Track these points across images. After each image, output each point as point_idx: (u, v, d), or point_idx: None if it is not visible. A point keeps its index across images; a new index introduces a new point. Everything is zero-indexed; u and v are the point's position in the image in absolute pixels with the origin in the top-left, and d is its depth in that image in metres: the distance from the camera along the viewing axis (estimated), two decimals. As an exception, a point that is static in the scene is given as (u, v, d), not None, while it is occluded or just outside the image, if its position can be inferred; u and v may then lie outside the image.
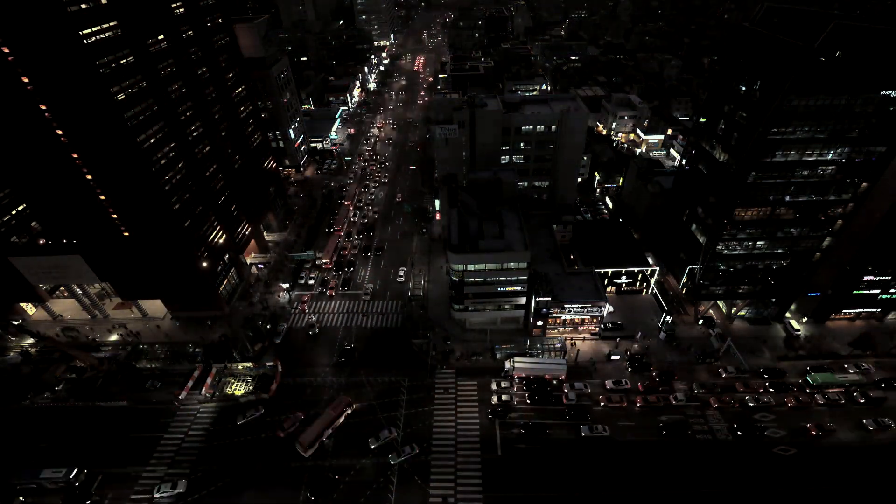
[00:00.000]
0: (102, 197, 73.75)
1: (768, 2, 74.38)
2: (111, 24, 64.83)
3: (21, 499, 63.98)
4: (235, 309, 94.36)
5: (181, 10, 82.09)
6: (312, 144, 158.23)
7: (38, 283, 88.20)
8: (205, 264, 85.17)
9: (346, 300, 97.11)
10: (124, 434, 71.59)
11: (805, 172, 71.54)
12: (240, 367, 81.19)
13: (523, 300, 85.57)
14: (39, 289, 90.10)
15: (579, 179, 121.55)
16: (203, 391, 77.07)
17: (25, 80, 61.79)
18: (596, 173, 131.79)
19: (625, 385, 77.05)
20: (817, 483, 63.91)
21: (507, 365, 78.60)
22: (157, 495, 62.91)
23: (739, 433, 69.51)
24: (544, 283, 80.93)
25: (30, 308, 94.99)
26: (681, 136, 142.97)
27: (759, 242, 79.76)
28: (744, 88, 72.47)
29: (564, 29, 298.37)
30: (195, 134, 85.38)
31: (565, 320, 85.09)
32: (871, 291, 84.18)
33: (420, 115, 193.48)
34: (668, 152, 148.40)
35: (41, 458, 68.03)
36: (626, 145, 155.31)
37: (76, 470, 65.20)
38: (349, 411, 72.75)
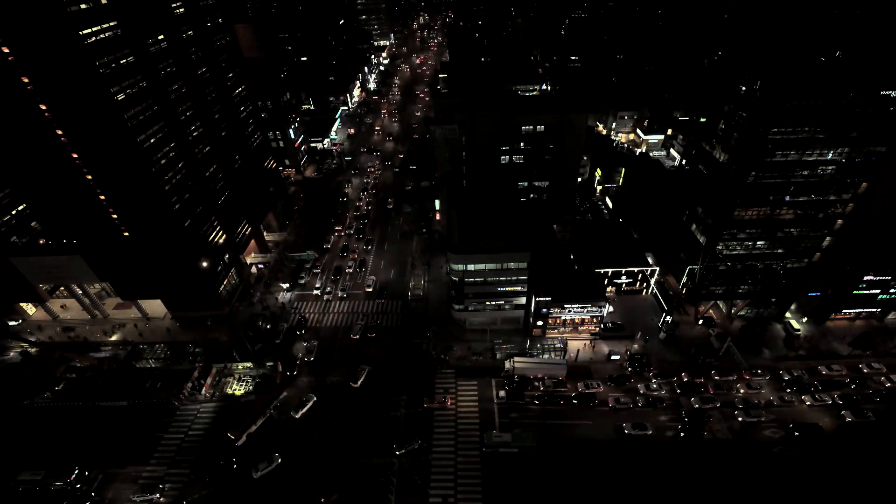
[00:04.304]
0: (102, 197, 73.73)
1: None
2: (111, 24, 64.86)
3: None
4: (235, 309, 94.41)
5: (181, 10, 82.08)
6: (312, 144, 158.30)
7: (38, 283, 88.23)
8: (205, 264, 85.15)
9: (347, 301, 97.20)
10: (124, 434, 71.67)
11: (805, 172, 71.58)
12: (240, 367, 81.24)
13: (523, 300, 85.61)
14: (39, 289, 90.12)
15: (579, 179, 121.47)
16: (203, 391, 77.14)
17: (25, 80, 61.78)
18: (596, 173, 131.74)
19: None
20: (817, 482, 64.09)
21: (507, 365, 78.62)
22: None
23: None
24: (546, 283, 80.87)
25: (30, 308, 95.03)
26: (681, 136, 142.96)
27: (759, 242, 79.80)
28: (744, 88, 72.48)
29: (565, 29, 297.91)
30: (195, 134, 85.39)
31: (565, 320, 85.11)
32: (872, 291, 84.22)
33: (420, 114, 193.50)
34: (668, 152, 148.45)
35: (42, 459, 68.15)
36: (626, 145, 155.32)
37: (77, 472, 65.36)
38: (277, 402, 74.04)
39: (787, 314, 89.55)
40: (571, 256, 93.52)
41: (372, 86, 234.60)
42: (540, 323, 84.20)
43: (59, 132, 66.71)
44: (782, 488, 63.33)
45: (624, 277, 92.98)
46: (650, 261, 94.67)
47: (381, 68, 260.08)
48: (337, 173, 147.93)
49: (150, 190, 73.70)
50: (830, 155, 69.87)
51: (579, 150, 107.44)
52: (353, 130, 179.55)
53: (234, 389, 77.74)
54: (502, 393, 76.22)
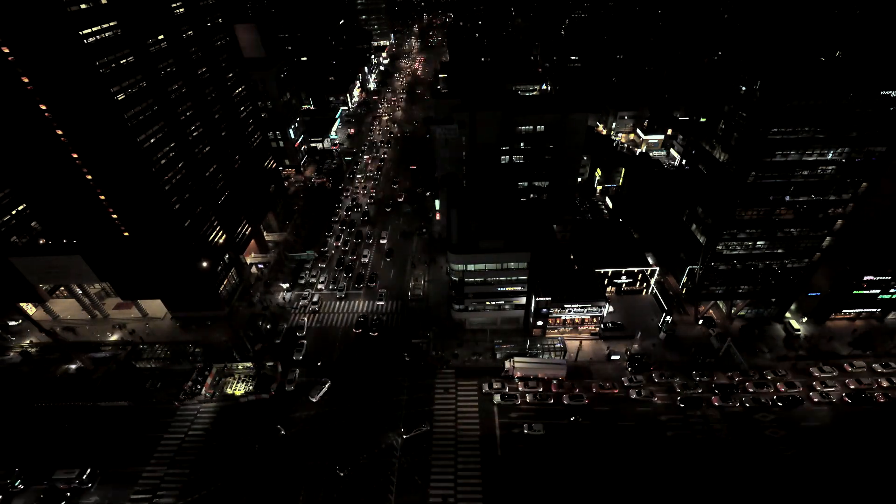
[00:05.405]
0: (102, 197, 73.71)
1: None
2: (111, 24, 64.81)
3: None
4: (235, 309, 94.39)
5: (181, 10, 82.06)
6: (312, 144, 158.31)
7: (39, 283, 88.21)
8: (205, 264, 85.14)
9: (349, 300, 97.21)
10: (125, 434, 71.67)
11: (805, 172, 71.59)
12: (240, 367, 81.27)
13: (523, 300, 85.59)
14: (39, 289, 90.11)
15: (579, 179, 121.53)
16: (203, 391, 77.15)
17: (25, 80, 61.76)
18: (596, 173, 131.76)
19: None
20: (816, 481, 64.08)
21: (507, 365, 78.62)
22: None
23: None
24: (546, 283, 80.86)
25: (30, 308, 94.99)
26: (681, 136, 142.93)
27: (759, 242, 79.81)
28: (744, 88, 72.46)
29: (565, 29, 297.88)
30: (195, 134, 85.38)
31: (565, 320, 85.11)
32: (872, 291, 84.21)
33: (419, 114, 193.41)
34: (668, 152, 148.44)
35: (43, 458, 68.19)
36: (626, 145, 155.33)
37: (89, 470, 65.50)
38: None
39: (787, 314, 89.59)
40: (571, 256, 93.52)
41: (372, 86, 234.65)
42: (540, 323, 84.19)
43: (59, 132, 66.68)
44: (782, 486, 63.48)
45: (624, 277, 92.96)
46: (650, 261, 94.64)
47: (381, 68, 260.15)
48: (337, 173, 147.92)
49: (151, 190, 73.65)
50: (830, 155, 69.85)
51: (579, 150, 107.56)
52: (353, 130, 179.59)
53: (235, 389, 77.77)
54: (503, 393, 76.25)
